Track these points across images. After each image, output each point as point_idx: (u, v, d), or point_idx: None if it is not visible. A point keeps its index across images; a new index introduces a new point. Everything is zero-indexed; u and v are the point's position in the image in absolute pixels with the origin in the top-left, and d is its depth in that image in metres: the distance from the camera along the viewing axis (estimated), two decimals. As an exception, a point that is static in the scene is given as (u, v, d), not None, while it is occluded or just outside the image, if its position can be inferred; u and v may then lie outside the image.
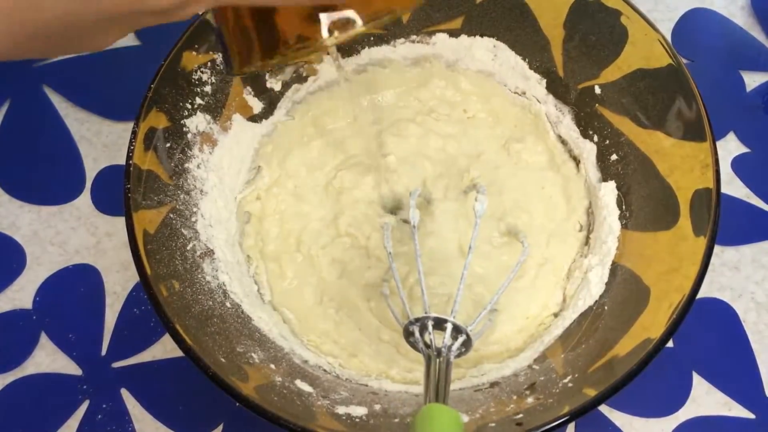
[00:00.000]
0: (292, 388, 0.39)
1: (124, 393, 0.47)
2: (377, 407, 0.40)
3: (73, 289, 0.50)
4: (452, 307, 0.40)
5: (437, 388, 0.35)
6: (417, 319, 0.39)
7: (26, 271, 0.50)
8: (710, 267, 0.50)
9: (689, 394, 0.47)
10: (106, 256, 0.51)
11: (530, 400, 0.39)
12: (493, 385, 0.42)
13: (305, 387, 0.40)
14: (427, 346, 0.38)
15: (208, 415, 0.46)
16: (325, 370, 0.43)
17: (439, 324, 0.39)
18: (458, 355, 0.39)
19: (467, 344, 0.39)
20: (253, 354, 0.40)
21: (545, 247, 0.48)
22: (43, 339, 0.48)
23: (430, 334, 0.38)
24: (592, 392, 0.36)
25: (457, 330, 0.38)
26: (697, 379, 0.47)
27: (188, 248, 0.42)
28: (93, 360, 0.48)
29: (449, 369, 0.37)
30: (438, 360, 0.37)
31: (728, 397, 0.47)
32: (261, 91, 0.50)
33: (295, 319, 0.46)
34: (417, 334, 0.39)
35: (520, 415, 0.37)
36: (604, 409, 0.46)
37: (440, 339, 0.38)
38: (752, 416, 0.47)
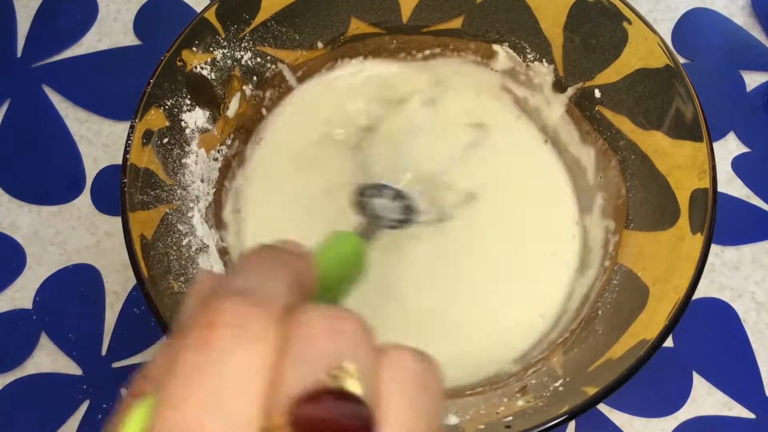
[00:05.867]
0: None
1: (125, 393, 0.47)
2: None
3: (73, 289, 0.50)
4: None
5: (365, 228, 0.37)
6: (371, 186, 0.42)
7: (26, 271, 0.51)
8: (710, 267, 0.50)
9: (689, 394, 0.47)
10: (106, 256, 0.51)
11: (521, 402, 0.39)
12: (484, 387, 0.42)
13: None
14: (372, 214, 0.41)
15: (207, 415, 0.46)
16: None
17: (389, 195, 0.42)
18: (399, 224, 0.41)
19: (410, 213, 0.42)
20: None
21: (537, 247, 0.48)
22: (43, 339, 0.48)
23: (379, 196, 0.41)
24: (585, 394, 0.36)
25: (401, 197, 0.41)
26: (697, 379, 0.47)
27: (183, 243, 0.42)
28: (93, 360, 0.48)
29: (377, 226, 0.39)
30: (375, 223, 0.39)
31: (728, 397, 0.47)
32: (261, 87, 0.50)
33: None
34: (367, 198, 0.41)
35: (510, 418, 0.37)
36: (603, 408, 0.46)
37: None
38: (752, 416, 0.47)
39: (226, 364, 0.19)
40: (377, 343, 0.21)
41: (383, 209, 0.41)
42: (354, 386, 0.19)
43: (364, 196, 0.42)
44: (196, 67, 0.46)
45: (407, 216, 0.43)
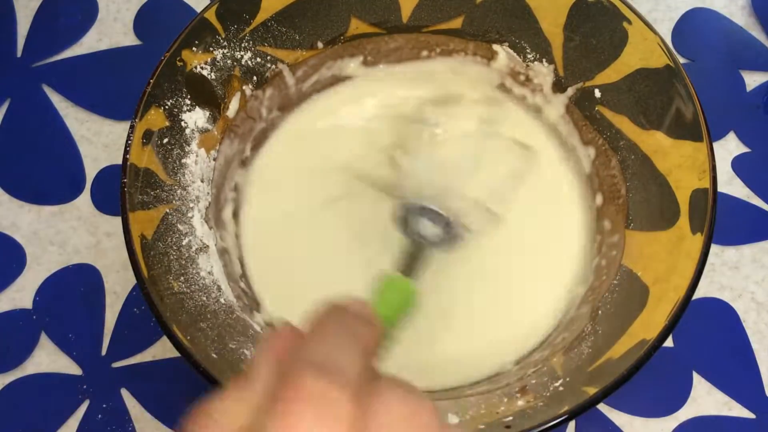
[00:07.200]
0: None
1: (124, 393, 0.47)
2: None
3: (73, 289, 0.50)
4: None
5: (409, 263, 0.38)
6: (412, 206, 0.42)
7: (26, 271, 0.51)
8: (710, 267, 0.50)
9: (689, 394, 0.47)
10: (106, 256, 0.51)
11: (521, 402, 0.39)
12: (484, 387, 0.42)
13: None
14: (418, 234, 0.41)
15: (207, 415, 0.46)
16: None
17: (430, 216, 0.42)
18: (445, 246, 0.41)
19: (453, 237, 0.42)
20: (245, 350, 0.40)
21: (537, 248, 0.48)
22: (43, 339, 0.48)
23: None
24: (585, 394, 0.36)
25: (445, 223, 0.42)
26: (697, 379, 0.47)
27: (183, 243, 0.42)
28: (93, 360, 0.48)
29: (424, 253, 0.39)
30: (419, 243, 0.40)
31: (728, 396, 0.47)
32: (261, 87, 0.50)
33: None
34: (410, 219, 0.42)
35: (510, 418, 0.37)
36: (603, 408, 0.46)
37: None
38: (752, 416, 0.47)
39: None
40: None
41: (428, 232, 0.41)
42: None
43: (409, 214, 0.42)
44: (196, 67, 0.46)
45: (449, 242, 0.42)
